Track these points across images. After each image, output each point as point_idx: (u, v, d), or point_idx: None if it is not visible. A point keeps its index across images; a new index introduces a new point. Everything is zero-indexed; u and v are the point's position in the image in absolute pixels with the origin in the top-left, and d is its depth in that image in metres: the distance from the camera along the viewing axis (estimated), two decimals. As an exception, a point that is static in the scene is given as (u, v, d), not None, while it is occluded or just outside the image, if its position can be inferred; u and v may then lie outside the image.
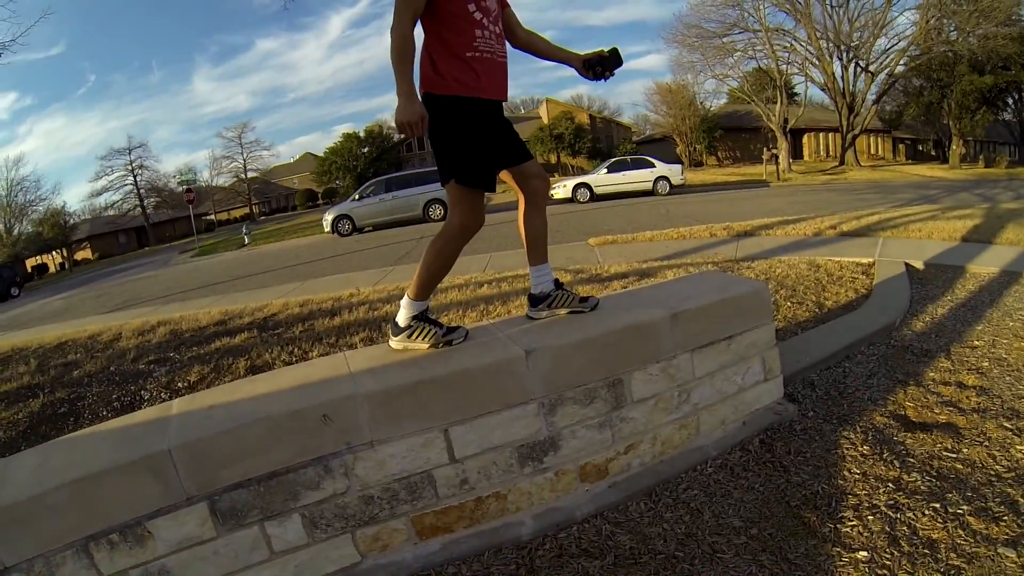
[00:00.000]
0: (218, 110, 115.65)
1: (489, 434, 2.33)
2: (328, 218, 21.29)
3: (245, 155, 69.58)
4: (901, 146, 51.35)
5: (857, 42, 39.03)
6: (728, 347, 2.81)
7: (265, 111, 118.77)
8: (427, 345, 2.57)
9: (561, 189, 22.78)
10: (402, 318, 2.63)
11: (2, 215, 57.00)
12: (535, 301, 2.84)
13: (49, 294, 23.04)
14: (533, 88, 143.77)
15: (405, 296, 2.64)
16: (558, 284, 2.83)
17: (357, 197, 21.58)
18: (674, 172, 23.26)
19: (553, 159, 52.27)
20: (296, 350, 4.58)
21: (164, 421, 2.19)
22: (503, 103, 2.66)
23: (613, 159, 25.87)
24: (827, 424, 2.93)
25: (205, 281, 13.26)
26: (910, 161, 47.20)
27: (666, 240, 8.46)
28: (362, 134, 59.47)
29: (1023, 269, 5.67)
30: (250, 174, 70.69)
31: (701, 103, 50.43)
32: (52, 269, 55.27)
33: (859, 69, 40.11)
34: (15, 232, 56.08)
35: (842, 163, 39.60)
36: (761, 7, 39.84)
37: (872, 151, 48.96)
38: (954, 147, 41.15)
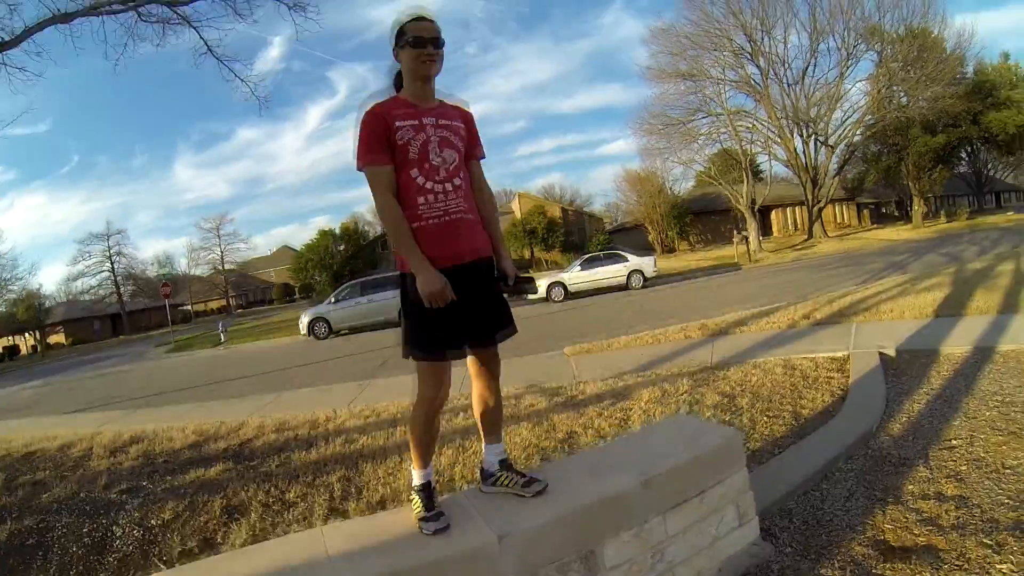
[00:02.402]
0: (198, 197, 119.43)
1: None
2: (304, 321, 21.51)
3: (223, 247, 70.60)
4: (865, 211, 52.80)
5: (815, 116, 40.76)
6: (701, 502, 2.80)
7: (244, 200, 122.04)
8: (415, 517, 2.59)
9: None
10: (413, 482, 2.70)
11: None
12: (484, 476, 2.87)
13: (20, 380, 23.24)
14: (504, 178, 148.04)
15: None
16: (504, 464, 2.82)
17: (333, 300, 21.97)
18: (646, 265, 23.49)
19: (527, 254, 53.29)
20: (273, 489, 4.47)
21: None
22: (471, 263, 2.62)
23: (586, 255, 26.34)
24: (804, 561, 2.87)
25: (180, 383, 13.21)
26: (875, 225, 48.44)
27: (641, 346, 8.48)
28: (338, 231, 60.01)
29: (994, 343, 5.78)
30: (227, 266, 71.23)
31: (670, 189, 51.85)
32: (24, 351, 55.22)
33: (819, 143, 41.72)
34: (-12, 310, 55.47)
35: (810, 236, 40.56)
36: (722, 91, 41.77)
37: (838, 220, 50.19)
38: (916, 207, 42.49)
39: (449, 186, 2.59)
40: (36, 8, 7.51)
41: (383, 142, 2.54)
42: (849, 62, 40.32)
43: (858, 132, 41.70)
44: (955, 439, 3.89)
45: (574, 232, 56.72)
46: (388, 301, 20.39)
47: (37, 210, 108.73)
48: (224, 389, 11.25)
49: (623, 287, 22.97)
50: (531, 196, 62.56)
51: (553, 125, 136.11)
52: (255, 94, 10.49)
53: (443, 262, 2.52)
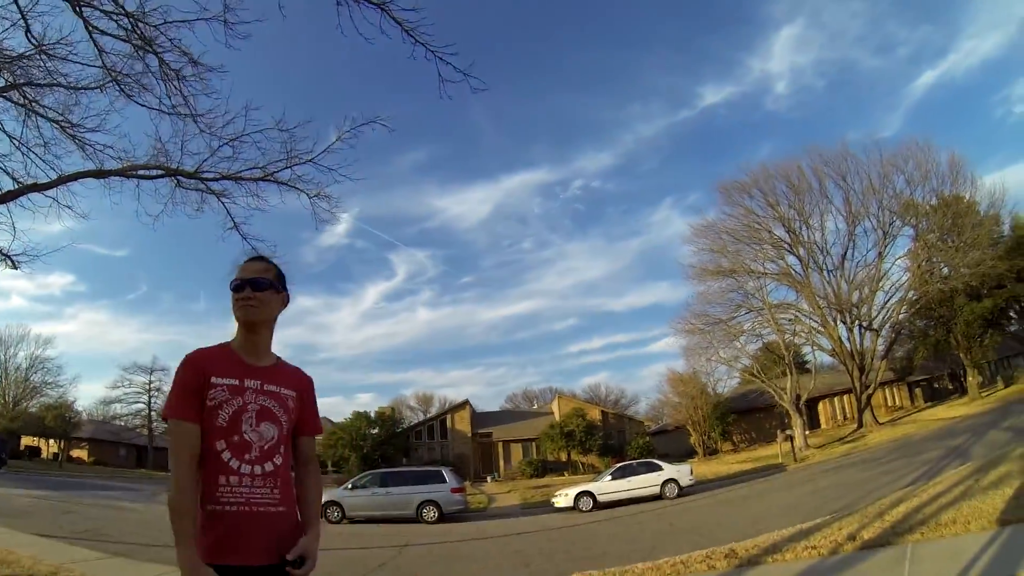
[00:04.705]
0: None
1: None
2: None
3: (258, 407, 72.19)
4: (917, 390, 50.37)
5: (857, 301, 40.36)
6: None
7: (294, 363, 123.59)
8: None
9: (563, 498, 21.83)
10: None
11: (12, 387, 58.30)
12: None
13: (27, 484, 23.99)
14: (554, 376, 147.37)
15: None
16: None
17: (350, 486, 21.40)
18: (682, 474, 22.33)
19: (563, 456, 52.47)
20: None
21: None
22: (267, 566, 2.17)
23: (618, 464, 25.08)
24: None
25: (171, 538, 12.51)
26: (929, 403, 45.99)
27: (656, 580, 7.08)
28: (373, 415, 58.45)
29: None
30: (261, 426, 72.32)
31: (712, 389, 51.37)
32: (45, 455, 54.84)
33: (863, 328, 40.80)
34: (21, 406, 56.22)
35: (860, 426, 38.51)
36: (763, 285, 42.11)
37: (889, 403, 48.00)
38: (970, 378, 40.64)
39: (259, 469, 2.24)
40: (82, 159, 8.62)
41: (193, 396, 2.22)
42: (887, 241, 40.83)
43: (902, 310, 41.02)
44: None
45: (613, 435, 55.70)
46: (407, 496, 20.12)
47: (95, 326, 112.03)
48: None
49: (657, 496, 21.43)
50: (571, 398, 63.27)
51: (603, 323, 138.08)
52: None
53: (231, 558, 2.12)
